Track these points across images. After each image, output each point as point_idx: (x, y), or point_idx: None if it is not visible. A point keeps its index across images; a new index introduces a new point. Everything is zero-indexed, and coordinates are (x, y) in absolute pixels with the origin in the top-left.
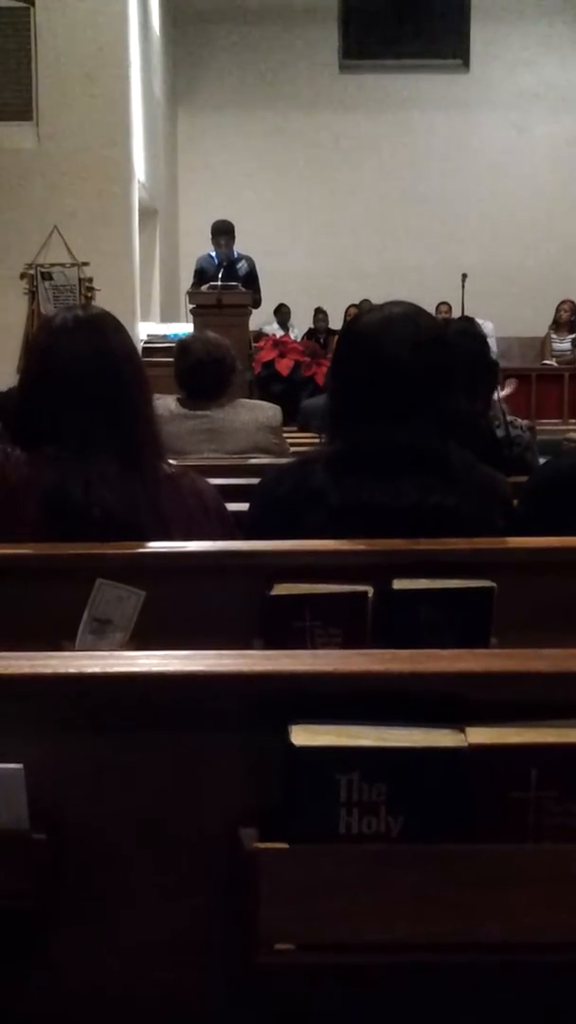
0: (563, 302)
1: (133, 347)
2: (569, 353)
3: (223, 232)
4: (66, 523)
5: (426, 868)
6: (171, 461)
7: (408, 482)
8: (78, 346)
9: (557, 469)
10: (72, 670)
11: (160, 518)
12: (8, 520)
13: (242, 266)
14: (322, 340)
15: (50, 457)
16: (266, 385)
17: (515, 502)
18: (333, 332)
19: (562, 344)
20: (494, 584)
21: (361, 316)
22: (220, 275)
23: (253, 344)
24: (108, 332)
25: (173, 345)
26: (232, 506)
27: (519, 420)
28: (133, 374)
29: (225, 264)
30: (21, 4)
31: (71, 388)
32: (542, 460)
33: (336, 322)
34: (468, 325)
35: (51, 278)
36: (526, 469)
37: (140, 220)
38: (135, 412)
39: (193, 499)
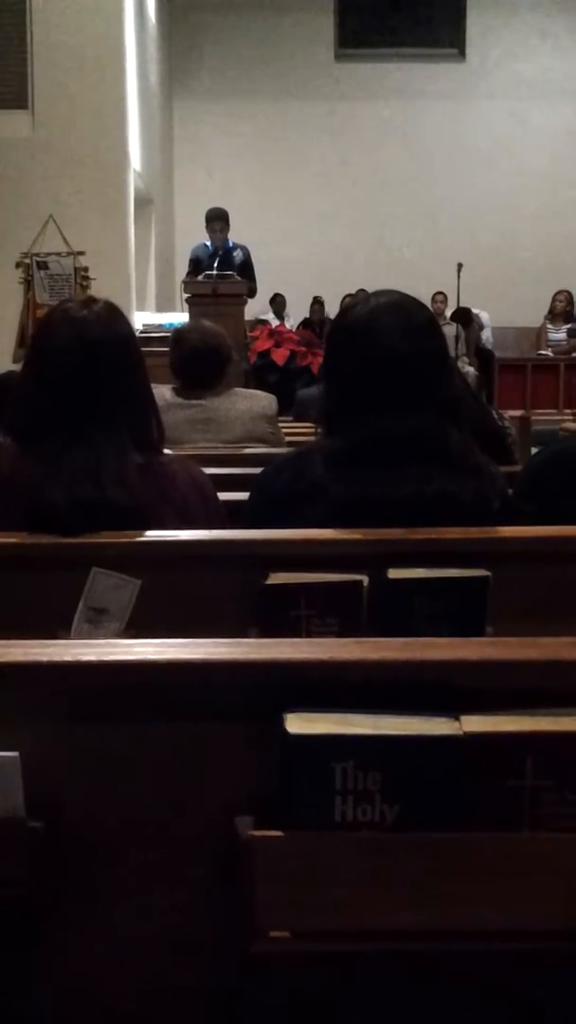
0: (559, 292)
1: (124, 337)
2: (565, 343)
3: (217, 218)
4: (41, 519)
5: (421, 856)
6: (165, 450)
7: (409, 471)
8: (60, 336)
9: (557, 450)
10: (68, 658)
11: (151, 507)
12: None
13: (237, 255)
14: (319, 330)
15: (35, 450)
16: (262, 374)
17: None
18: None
19: (558, 334)
20: (489, 573)
21: (349, 311)
22: (215, 264)
23: (249, 333)
24: (91, 322)
25: (168, 334)
26: (227, 495)
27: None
28: (117, 364)
29: (220, 253)
30: None
31: (52, 379)
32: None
33: (333, 311)
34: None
35: (47, 267)
36: (511, 460)
37: (135, 209)
38: (120, 403)
39: (187, 487)
